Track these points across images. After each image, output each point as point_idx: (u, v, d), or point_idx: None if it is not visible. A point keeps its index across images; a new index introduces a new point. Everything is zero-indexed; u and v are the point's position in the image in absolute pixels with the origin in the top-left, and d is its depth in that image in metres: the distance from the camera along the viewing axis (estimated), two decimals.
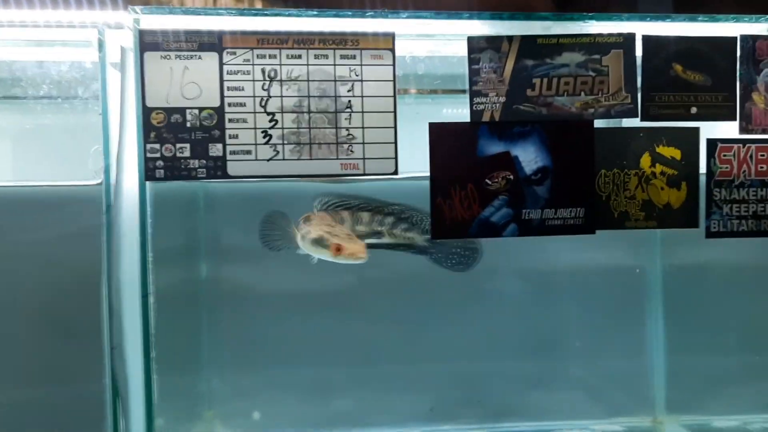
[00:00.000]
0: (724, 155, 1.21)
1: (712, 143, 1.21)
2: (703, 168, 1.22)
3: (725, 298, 1.81)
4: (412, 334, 1.80)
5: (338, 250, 1.11)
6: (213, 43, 1.10)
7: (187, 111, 1.09)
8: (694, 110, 1.19)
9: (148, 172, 1.09)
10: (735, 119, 1.20)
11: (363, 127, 1.12)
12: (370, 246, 1.18)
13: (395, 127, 1.13)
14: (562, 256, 1.75)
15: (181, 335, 1.62)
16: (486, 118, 1.14)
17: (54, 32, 1.17)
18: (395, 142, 1.13)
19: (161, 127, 1.09)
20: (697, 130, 1.20)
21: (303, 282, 1.71)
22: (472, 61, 1.14)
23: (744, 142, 1.21)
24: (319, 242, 1.13)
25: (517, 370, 1.83)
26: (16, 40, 1.21)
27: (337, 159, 1.12)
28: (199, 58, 1.09)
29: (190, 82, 1.09)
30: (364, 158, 1.13)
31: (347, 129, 1.12)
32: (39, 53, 1.24)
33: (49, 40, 1.19)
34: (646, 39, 1.18)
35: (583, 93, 1.16)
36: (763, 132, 1.21)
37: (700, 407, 1.81)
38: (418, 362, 1.79)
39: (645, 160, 1.18)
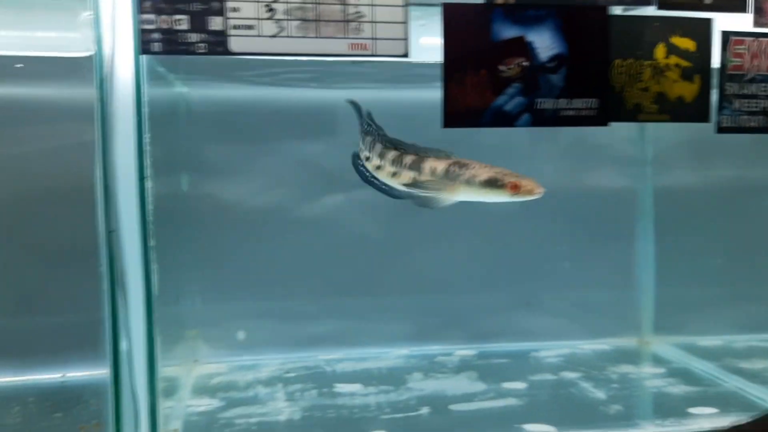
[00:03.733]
0: (737, 48, 1.19)
1: (725, 36, 1.18)
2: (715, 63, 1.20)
3: (712, 221, 1.82)
4: (402, 262, 1.76)
5: (515, 188, 1.03)
6: None
7: None
8: (708, 0, 1.16)
9: (143, 45, 1.01)
10: (746, 11, 1.18)
11: (372, 5, 1.06)
12: None
13: (407, 5, 1.07)
14: (552, 179, 1.73)
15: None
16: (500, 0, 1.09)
17: None
18: (406, 22, 1.07)
19: None
20: (709, 21, 1.17)
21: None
22: None
23: (757, 35, 1.19)
24: (492, 183, 1.04)
25: (506, 294, 1.81)
26: None
27: (345, 38, 1.06)
28: None
29: None
30: (374, 38, 1.06)
31: (356, 6, 1.06)
32: None
33: None
34: None
35: None
36: None
37: (686, 329, 1.83)
38: (414, 289, 1.76)
39: (660, 51, 1.15)
